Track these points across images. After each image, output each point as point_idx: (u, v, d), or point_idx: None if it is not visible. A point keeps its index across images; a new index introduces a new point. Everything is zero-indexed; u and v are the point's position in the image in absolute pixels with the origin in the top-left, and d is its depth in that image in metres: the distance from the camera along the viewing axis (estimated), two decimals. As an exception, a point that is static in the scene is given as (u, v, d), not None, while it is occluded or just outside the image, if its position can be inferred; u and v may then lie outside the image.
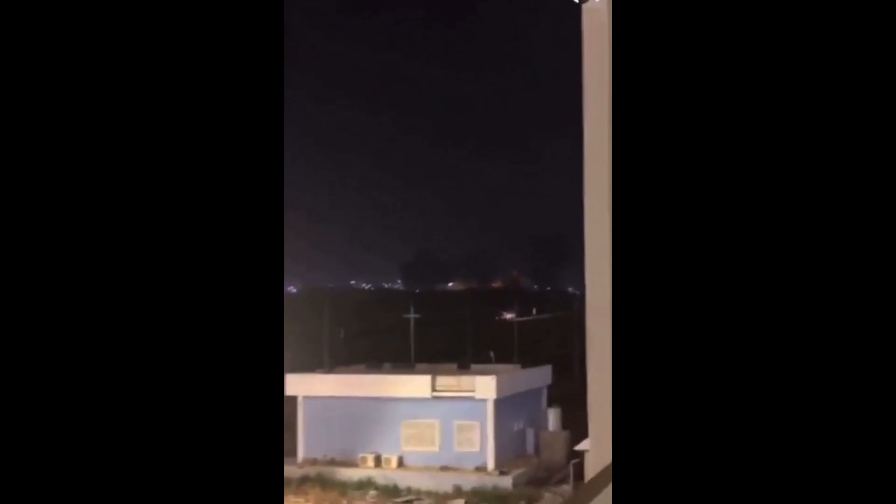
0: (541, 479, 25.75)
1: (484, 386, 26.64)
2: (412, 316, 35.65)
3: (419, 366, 31.42)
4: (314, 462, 26.70)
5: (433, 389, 26.97)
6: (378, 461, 26.51)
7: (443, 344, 40.68)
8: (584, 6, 3.82)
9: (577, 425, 27.64)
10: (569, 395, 30.31)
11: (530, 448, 28.41)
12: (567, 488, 24.39)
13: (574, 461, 24.84)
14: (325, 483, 25.39)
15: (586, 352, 3.74)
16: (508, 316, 47.85)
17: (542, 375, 30.98)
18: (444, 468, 26.08)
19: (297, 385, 27.73)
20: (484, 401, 26.53)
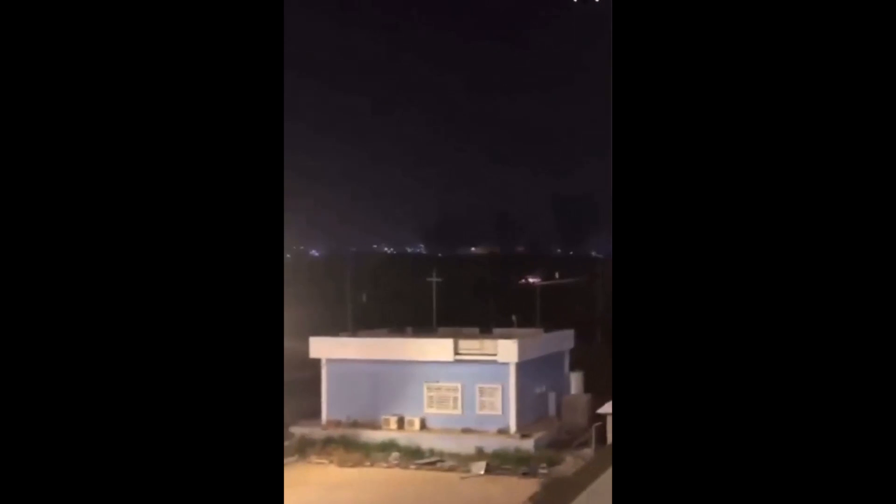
0: (563, 441, 25.92)
1: (506, 349, 26.74)
2: (434, 279, 35.70)
3: (441, 329, 31.56)
4: (338, 424, 27.08)
5: (455, 353, 27.11)
6: (401, 423, 26.79)
7: (465, 308, 40.80)
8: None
9: (598, 389, 27.79)
10: (591, 359, 30.42)
11: (552, 411, 28.57)
12: (589, 451, 24.53)
13: (596, 424, 24.96)
14: (348, 444, 25.76)
15: (612, 315, 3.76)
16: (532, 280, 47.83)
17: (564, 340, 31.05)
18: (467, 430, 26.32)
19: (320, 348, 28.04)
20: (506, 364, 26.66)
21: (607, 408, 24.94)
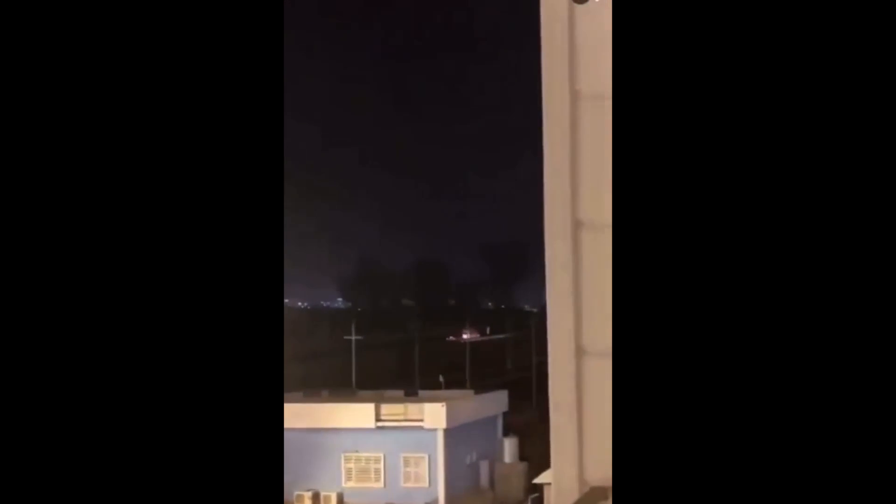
0: (496, 516, 25.77)
1: (433, 414, 26.61)
2: (354, 337, 35.51)
3: (361, 393, 31.27)
4: (244, 501, 26.44)
5: (377, 419, 26.85)
6: (316, 500, 26.26)
7: (388, 368, 40.59)
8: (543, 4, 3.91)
9: (535, 457, 27.82)
10: (526, 423, 30.49)
11: (485, 482, 28.43)
12: (525, 526, 24.45)
13: (532, 496, 24.94)
14: (256, 525, 25.09)
15: (550, 374, 3.76)
16: (463, 336, 47.98)
17: (496, 402, 31.06)
18: (390, 506, 25.99)
19: (224, 416, 27.32)
20: (433, 430, 26.50)
21: (544, 477, 24.96)
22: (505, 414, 31.27)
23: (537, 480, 24.83)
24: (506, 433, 30.32)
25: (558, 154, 3.81)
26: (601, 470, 3.79)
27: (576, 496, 3.69)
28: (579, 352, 3.81)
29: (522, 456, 28.81)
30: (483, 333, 49.42)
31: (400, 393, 30.92)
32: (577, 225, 3.84)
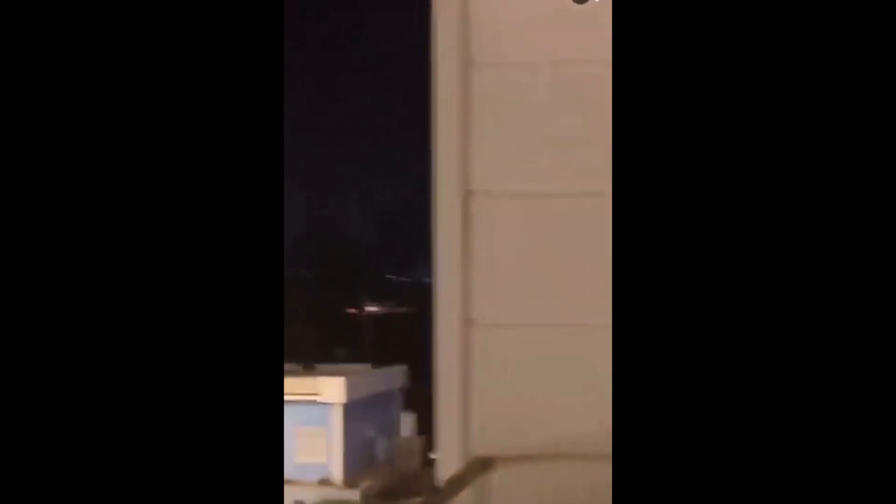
0: (393, 490, 25.94)
1: (331, 388, 26.51)
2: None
3: (256, 366, 30.86)
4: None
5: (272, 393, 26.63)
6: (207, 475, 25.95)
7: (285, 341, 40.21)
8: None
9: (433, 431, 27.91)
10: (424, 398, 30.59)
11: (382, 456, 28.54)
12: (419, 500, 24.68)
13: (429, 469, 25.13)
14: (144, 502, 24.66)
15: (435, 344, 3.81)
16: (363, 309, 47.91)
17: (396, 376, 31.14)
18: (285, 482, 25.85)
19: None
20: (331, 405, 26.41)
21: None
22: (404, 389, 31.39)
23: (433, 454, 25.07)
24: (404, 408, 30.45)
25: (448, 121, 3.83)
26: (487, 441, 3.85)
27: (454, 468, 3.74)
28: (466, 322, 3.86)
29: (420, 431, 29.02)
30: (383, 306, 49.42)
31: (297, 367, 30.73)
32: (467, 194, 3.87)
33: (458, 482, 3.55)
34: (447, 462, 3.83)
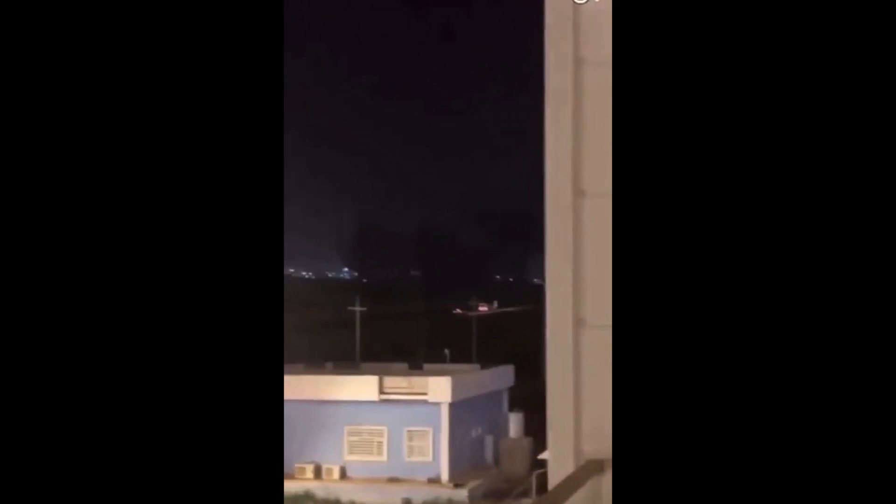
0: (500, 491, 25.95)
1: (438, 388, 26.70)
2: (358, 308, 35.59)
3: (365, 365, 31.40)
4: (245, 473, 26.63)
5: (381, 392, 26.98)
6: (318, 472, 26.45)
7: (392, 341, 40.70)
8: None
9: (541, 432, 27.72)
10: (533, 398, 30.55)
11: (489, 457, 28.59)
12: (528, 501, 24.60)
13: (537, 471, 25.08)
14: (257, 497, 25.30)
15: (547, 346, 3.80)
16: (474, 309, 48.04)
17: (503, 376, 31.16)
18: (393, 480, 26.14)
19: (226, 386, 27.50)
20: (438, 404, 26.61)
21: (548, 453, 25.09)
22: (511, 389, 31.38)
23: (542, 456, 24.96)
24: (511, 408, 30.44)
25: (560, 121, 3.82)
26: (598, 443, 3.82)
27: (572, 469, 3.72)
28: (578, 324, 3.83)
29: (528, 431, 28.94)
30: (491, 306, 49.49)
31: (404, 366, 31.04)
32: (578, 194, 3.85)
33: (569, 484, 3.54)
34: (559, 464, 3.81)
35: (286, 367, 30.35)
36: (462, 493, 25.25)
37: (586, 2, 3.75)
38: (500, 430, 29.35)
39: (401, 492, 25.41)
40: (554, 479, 3.84)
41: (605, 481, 3.76)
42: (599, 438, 3.85)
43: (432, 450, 26.60)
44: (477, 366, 31.82)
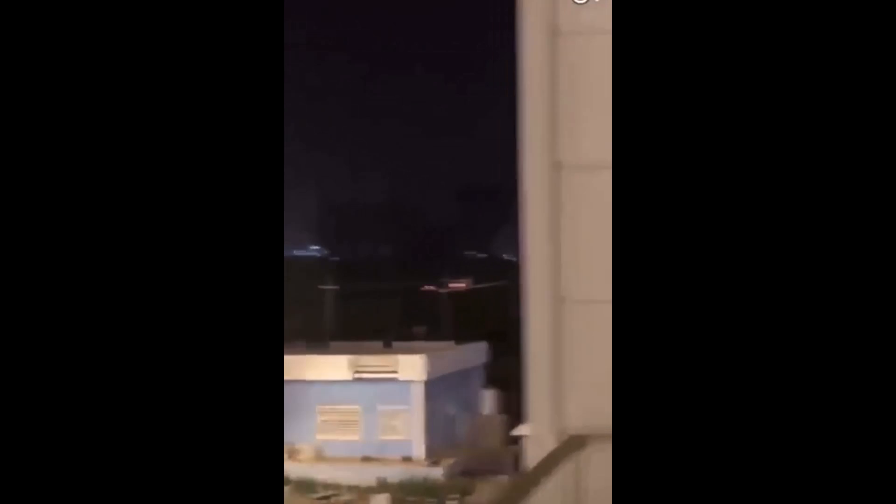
0: (476, 468, 26.07)
1: (411, 366, 26.71)
2: (328, 287, 35.55)
3: (336, 344, 31.34)
4: (217, 456, 26.56)
5: (353, 370, 26.94)
6: (291, 453, 26.43)
7: (364, 319, 40.65)
8: None
9: (515, 409, 27.91)
10: (506, 375, 30.64)
11: (464, 435, 28.68)
12: (505, 478, 24.74)
13: (513, 447, 25.19)
14: (229, 479, 25.24)
15: (525, 322, 3.78)
16: (449, 286, 48.07)
17: (477, 353, 31.21)
18: (367, 459, 26.16)
19: (195, 368, 27.48)
20: (411, 382, 26.62)
21: (523, 429, 25.23)
22: (485, 366, 31.44)
23: (515, 432, 25.07)
24: (486, 385, 30.52)
25: (535, 92, 3.79)
26: (579, 418, 3.82)
27: (553, 445, 3.73)
28: (557, 299, 3.82)
29: (503, 409, 29.05)
30: (467, 282, 49.55)
31: (379, 344, 31.01)
32: (555, 167, 3.83)
33: (552, 460, 3.54)
34: (539, 440, 3.82)
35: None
36: (438, 471, 25.33)
37: (586, 2, 3.73)
38: (474, 407, 29.43)
39: (376, 471, 25.44)
40: (533, 456, 3.84)
41: (586, 457, 3.76)
42: (579, 415, 3.85)
43: (407, 428, 26.63)
44: (451, 343, 31.84)
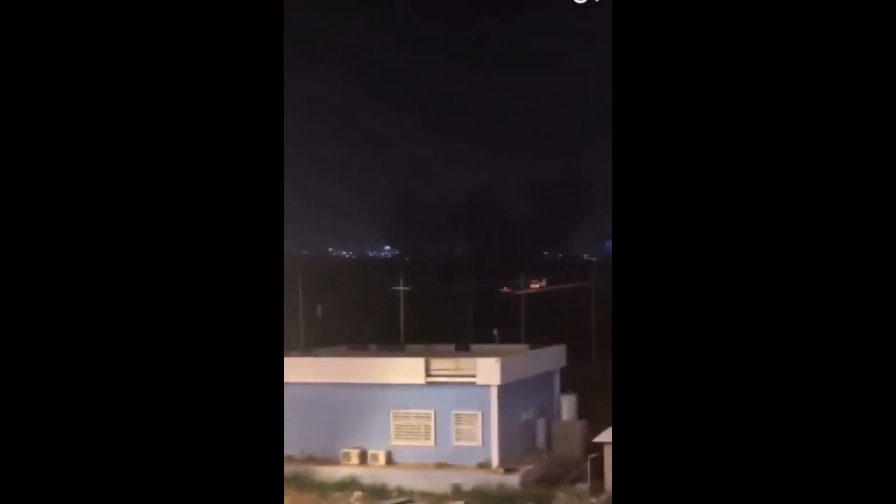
0: (553, 476, 25.91)
1: (487, 369, 26.68)
2: (402, 288, 35.69)
3: (410, 347, 31.45)
4: (289, 460, 26.81)
5: (427, 374, 27.02)
6: (363, 458, 26.62)
7: (439, 321, 40.78)
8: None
9: (594, 414, 27.72)
10: (586, 379, 30.43)
11: (541, 441, 28.55)
12: (584, 487, 24.51)
13: (592, 455, 24.98)
14: (301, 484, 25.54)
15: (613, 329, 3.72)
16: (531, 287, 47.87)
17: (554, 357, 31.06)
18: (441, 465, 26.23)
19: (267, 370, 27.87)
20: (487, 387, 26.60)
21: (605, 436, 24.98)
22: (563, 370, 31.26)
23: (597, 440, 24.86)
24: (563, 390, 30.34)
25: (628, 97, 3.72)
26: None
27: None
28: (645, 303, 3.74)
29: (581, 414, 28.83)
30: (541, 284, 49.32)
31: (451, 347, 31.03)
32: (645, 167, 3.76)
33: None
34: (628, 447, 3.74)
35: (329, 350, 30.53)
36: (514, 479, 25.24)
37: (586, 1, 3.67)
38: (551, 412, 29.26)
39: (449, 477, 25.46)
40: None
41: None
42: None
43: (481, 434, 26.60)
44: (526, 346, 31.72)
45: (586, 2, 3.96)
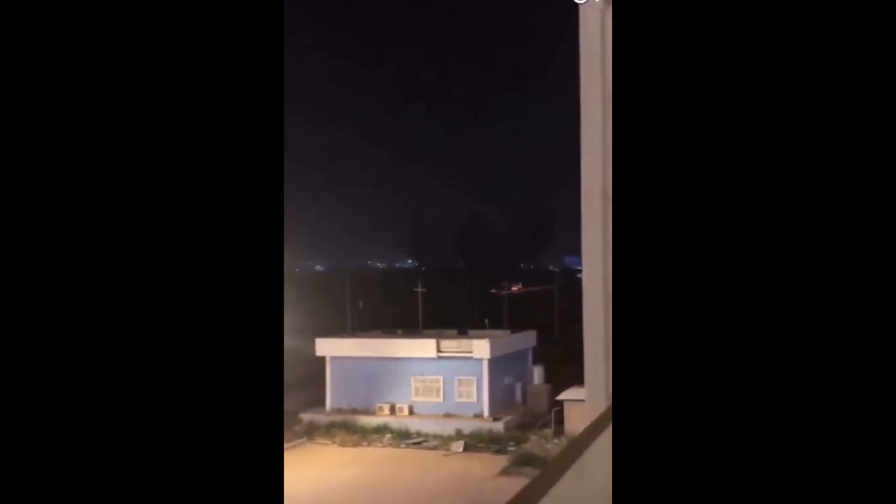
0: (527, 423, 25.75)
1: (480, 347, 26.60)
2: (419, 290, 35.66)
3: (426, 331, 31.30)
4: (339, 411, 26.75)
5: (438, 351, 26.91)
6: (392, 410, 26.47)
7: (446, 313, 40.55)
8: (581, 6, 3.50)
9: (556, 380, 27.67)
10: (550, 355, 30.32)
11: (518, 399, 28.38)
12: (549, 431, 24.37)
13: (555, 409, 24.85)
14: (348, 428, 25.51)
15: (584, 314, 3.64)
16: (509, 289, 47.63)
17: (528, 339, 30.89)
18: (448, 415, 26.07)
19: (325, 347, 27.72)
20: (480, 360, 26.49)
21: (564, 395, 24.86)
22: (534, 348, 31.10)
23: (559, 397, 24.70)
24: (534, 362, 30.16)
25: (593, 139, 3.65)
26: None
27: (602, 409, 3.58)
28: (607, 297, 3.68)
29: (547, 380, 28.64)
30: (518, 287, 49.07)
31: (454, 332, 30.90)
32: (605, 198, 3.70)
33: (604, 419, 3.38)
34: (593, 402, 3.67)
35: (368, 333, 30.38)
36: (499, 425, 25.09)
37: (586, 1, 3.39)
38: (526, 378, 29.09)
39: (453, 424, 25.32)
40: (570, 415, 3.66)
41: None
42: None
43: (476, 393, 26.45)
44: (508, 331, 31.54)
45: (586, 1, 3.23)
